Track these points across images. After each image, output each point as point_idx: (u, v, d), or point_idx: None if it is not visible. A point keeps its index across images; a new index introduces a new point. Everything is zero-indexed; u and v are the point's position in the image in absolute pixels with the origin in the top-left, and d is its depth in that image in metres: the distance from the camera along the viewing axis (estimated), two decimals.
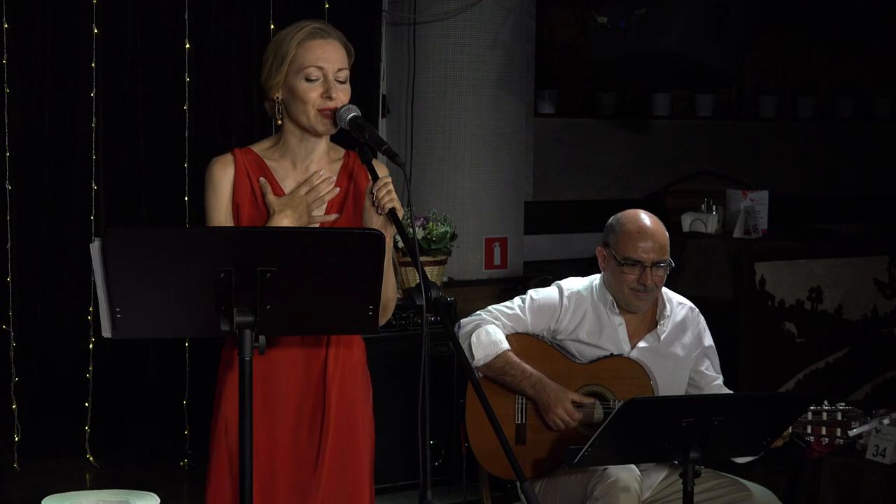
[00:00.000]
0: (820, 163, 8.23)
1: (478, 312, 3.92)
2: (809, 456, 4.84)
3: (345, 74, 3.03)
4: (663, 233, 3.88)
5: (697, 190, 7.00)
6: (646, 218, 3.88)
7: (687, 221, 6.13)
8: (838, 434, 3.58)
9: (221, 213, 3.06)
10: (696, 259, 5.93)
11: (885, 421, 3.70)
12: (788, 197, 7.54)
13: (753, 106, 8.27)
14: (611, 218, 3.95)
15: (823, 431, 3.59)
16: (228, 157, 3.08)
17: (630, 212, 3.92)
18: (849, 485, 4.80)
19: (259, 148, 3.11)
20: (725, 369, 4.08)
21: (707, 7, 5.54)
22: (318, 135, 3.05)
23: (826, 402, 3.61)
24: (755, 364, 5.65)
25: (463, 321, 3.90)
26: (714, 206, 6.11)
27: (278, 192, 3.04)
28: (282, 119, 3.07)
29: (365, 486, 3.11)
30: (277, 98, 3.05)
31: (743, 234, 5.95)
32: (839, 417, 3.59)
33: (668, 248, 3.87)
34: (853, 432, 3.58)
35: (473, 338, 3.81)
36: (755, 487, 3.82)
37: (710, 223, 6.06)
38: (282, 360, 3.04)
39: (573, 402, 3.76)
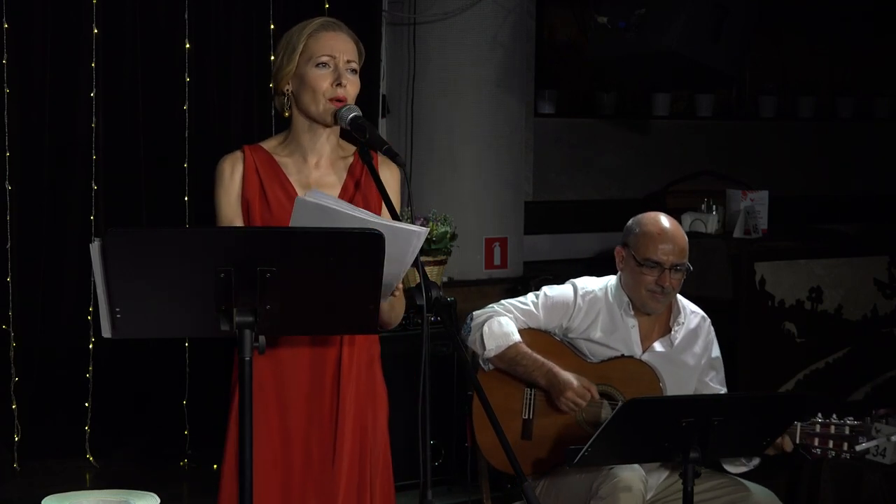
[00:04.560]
0: (820, 163, 8.23)
1: (491, 305, 3.93)
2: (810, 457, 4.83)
3: (355, 66, 3.06)
4: (683, 236, 3.90)
5: (697, 190, 6.99)
6: (666, 221, 3.91)
7: (687, 221, 6.13)
8: (845, 448, 3.57)
9: (230, 209, 3.06)
10: (696, 259, 5.88)
11: (894, 438, 3.67)
12: (788, 197, 7.53)
13: (753, 106, 8.26)
14: (630, 220, 3.97)
15: (830, 445, 3.58)
16: (238, 154, 3.08)
17: (651, 214, 3.95)
18: (849, 485, 4.80)
19: (269, 145, 3.13)
20: (725, 369, 4.08)
21: (707, 7, 5.54)
22: (326, 125, 3.06)
23: (835, 416, 3.60)
24: (755, 364, 5.65)
25: (475, 312, 3.91)
26: (714, 206, 6.11)
27: (288, 187, 3.05)
28: (290, 112, 3.09)
29: (380, 478, 3.14)
30: (287, 90, 3.07)
31: (743, 234, 5.94)
32: (847, 432, 3.58)
33: (688, 252, 3.89)
34: (860, 447, 3.56)
35: (486, 328, 3.82)
36: (755, 487, 3.82)
37: (710, 223, 6.06)
38: (293, 357, 3.05)
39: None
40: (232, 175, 3.07)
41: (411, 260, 2.81)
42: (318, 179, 3.09)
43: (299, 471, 3.06)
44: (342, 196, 3.08)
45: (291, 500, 3.06)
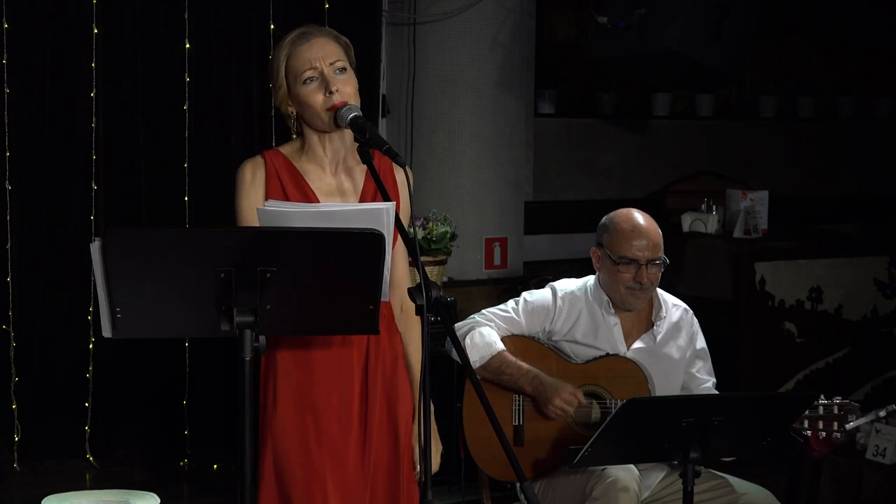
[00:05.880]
0: (820, 163, 8.23)
1: (472, 316, 3.93)
2: (809, 456, 4.84)
3: (342, 64, 3.05)
4: (656, 230, 3.88)
5: (697, 190, 6.99)
6: (639, 216, 3.89)
7: (687, 221, 6.13)
8: (835, 428, 3.59)
9: (252, 213, 3.05)
10: (696, 259, 5.92)
11: (882, 413, 3.70)
12: (788, 197, 7.53)
13: (753, 106, 8.26)
14: (603, 218, 3.95)
15: (820, 426, 3.59)
16: (259, 160, 3.09)
17: (622, 211, 3.93)
18: (849, 485, 4.80)
19: (287, 150, 3.13)
20: (725, 369, 4.08)
21: (707, 7, 5.54)
22: (332, 130, 3.06)
23: (822, 397, 3.62)
24: (755, 364, 5.65)
25: (457, 325, 3.89)
26: (714, 206, 6.11)
27: (310, 194, 3.05)
28: (300, 131, 3.11)
29: (411, 476, 3.17)
30: (292, 113, 3.09)
31: (743, 234, 5.94)
32: (836, 411, 3.60)
33: (662, 245, 3.88)
34: (850, 425, 3.58)
35: (468, 340, 3.81)
36: (753, 487, 3.82)
37: (710, 223, 6.06)
38: (324, 357, 3.05)
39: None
40: (253, 180, 3.07)
41: (389, 237, 2.83)
42: (337, 186, 3.10)
43: (332, 470, 3.06)
44: (361, 200, 3.09)
45: (328, 498, 3.05)
